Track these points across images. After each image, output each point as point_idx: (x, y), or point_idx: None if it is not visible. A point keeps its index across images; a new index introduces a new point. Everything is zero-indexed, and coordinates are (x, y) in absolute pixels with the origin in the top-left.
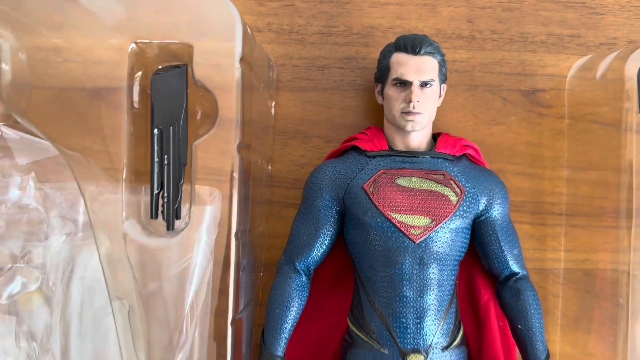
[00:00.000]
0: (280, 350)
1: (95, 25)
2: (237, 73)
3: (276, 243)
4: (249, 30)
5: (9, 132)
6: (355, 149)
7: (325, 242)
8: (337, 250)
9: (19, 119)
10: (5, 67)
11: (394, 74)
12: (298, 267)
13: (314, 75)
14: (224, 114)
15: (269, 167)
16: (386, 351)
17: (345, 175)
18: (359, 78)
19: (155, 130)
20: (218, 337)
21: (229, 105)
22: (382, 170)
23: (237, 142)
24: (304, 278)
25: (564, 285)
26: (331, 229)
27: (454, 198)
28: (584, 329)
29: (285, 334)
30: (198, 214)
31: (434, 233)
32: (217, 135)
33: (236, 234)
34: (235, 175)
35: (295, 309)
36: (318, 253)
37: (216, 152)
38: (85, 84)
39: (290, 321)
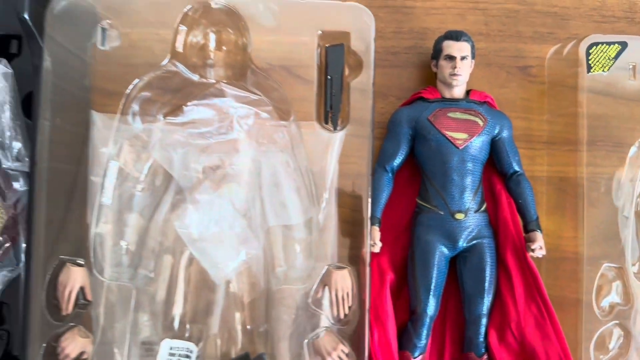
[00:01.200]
0: (378, 213)
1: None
2: (372, 45)
3: None
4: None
5: (225, 86)
6: (420, 98)
7: (403, 153)
8: (408, 162)
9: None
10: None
11: (445, 52)
12: (387, 169)
13: (390, 57)
14: (365, 67)
15: None
16: (442, 213)
17: (415, 112)
18: (417, 60)
19: (329, 77)
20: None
21: (367, 60)
22: (438, 109)
23: (372, 82)
24: (390, 175)
25: (547, 186)
26: (407, 145)
27: (481, 123)
28: (561, 214)
29: (381, 205)
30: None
31: (469, 143)
32: (360, 80)
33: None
34: (370, 101)
35: (386, 192)
36: (399, 160)
37: (358, 89)
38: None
39: (383, 199)
